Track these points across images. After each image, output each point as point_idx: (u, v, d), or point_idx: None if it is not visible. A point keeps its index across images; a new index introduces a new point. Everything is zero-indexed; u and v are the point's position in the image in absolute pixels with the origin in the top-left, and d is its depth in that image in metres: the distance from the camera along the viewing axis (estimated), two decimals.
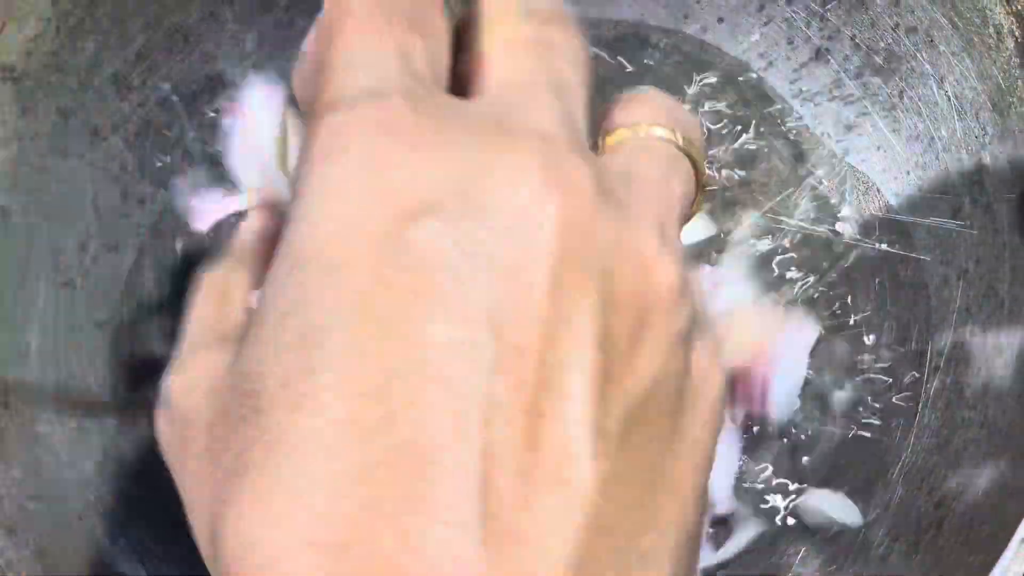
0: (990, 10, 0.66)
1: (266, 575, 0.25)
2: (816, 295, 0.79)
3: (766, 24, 0.79)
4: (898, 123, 0.74)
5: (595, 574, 0.26)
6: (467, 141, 0.25)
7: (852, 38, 0.74)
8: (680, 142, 0.35)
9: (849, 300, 0.79)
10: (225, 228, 0.82)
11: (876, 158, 0.77)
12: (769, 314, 0.78)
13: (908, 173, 0.75)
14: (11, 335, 0.68)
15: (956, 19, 0.68)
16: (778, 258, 0.80)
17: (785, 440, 0.77)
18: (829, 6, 0.75)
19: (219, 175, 0.81)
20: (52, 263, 0.71)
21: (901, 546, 0.67)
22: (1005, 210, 0.68)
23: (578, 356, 0.25)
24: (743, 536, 0.76)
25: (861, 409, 0.77)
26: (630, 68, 0.83)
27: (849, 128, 0.79)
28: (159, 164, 0.77)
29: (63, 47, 0.69)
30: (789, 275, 0.79)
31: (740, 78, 0.82)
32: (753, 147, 0.83)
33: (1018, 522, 0.56)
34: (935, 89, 0.71)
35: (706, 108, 0.84)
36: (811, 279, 0.80)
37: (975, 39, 0.68)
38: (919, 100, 0.72)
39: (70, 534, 0.67)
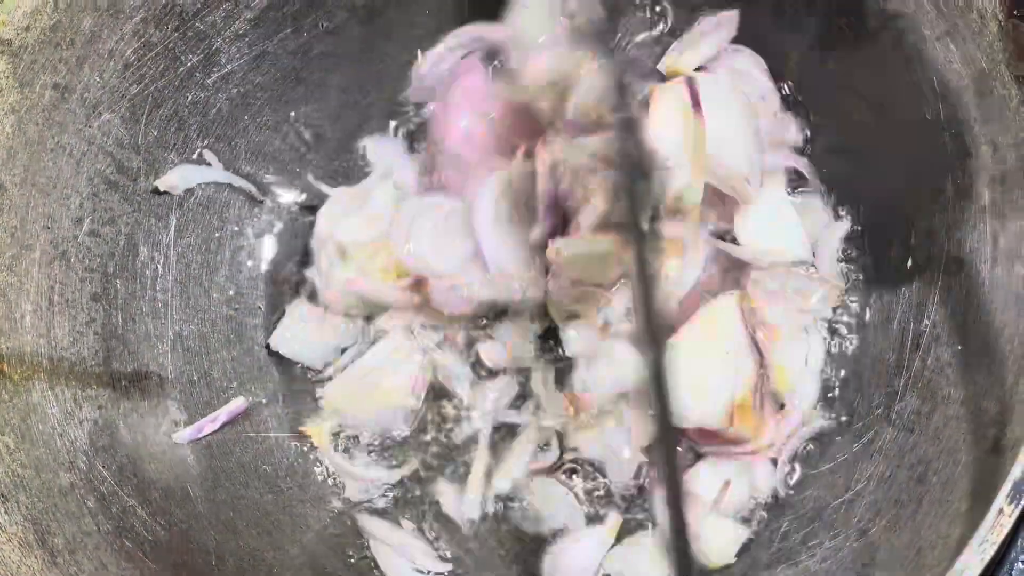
0: None
1: None
2: None
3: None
4: (883, 106, 0.75)
5: None
6: None
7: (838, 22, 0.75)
8: None
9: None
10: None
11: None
12: None
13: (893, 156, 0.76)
14: (6, 306, 0.69)
15: (941, 3, 0.69)
16: None
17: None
18: None
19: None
20: (47, 236, 0.71)
21: (882, 520, 0.68)
22: (987, 193, 0.68)
23: None
24: None
25: (844, 387, 0.79)
26: None
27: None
28: (154, 140, 0.77)
29: (61, 23, 0.70)
30: None
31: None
32: None
33: (995, 495, 0.56)
34: (920, 74, 0.72)
35: None
36: None
37: (959, 23, 0.68)
38: (904, 84, 0.73)
39: (62, 501, 0.68)
